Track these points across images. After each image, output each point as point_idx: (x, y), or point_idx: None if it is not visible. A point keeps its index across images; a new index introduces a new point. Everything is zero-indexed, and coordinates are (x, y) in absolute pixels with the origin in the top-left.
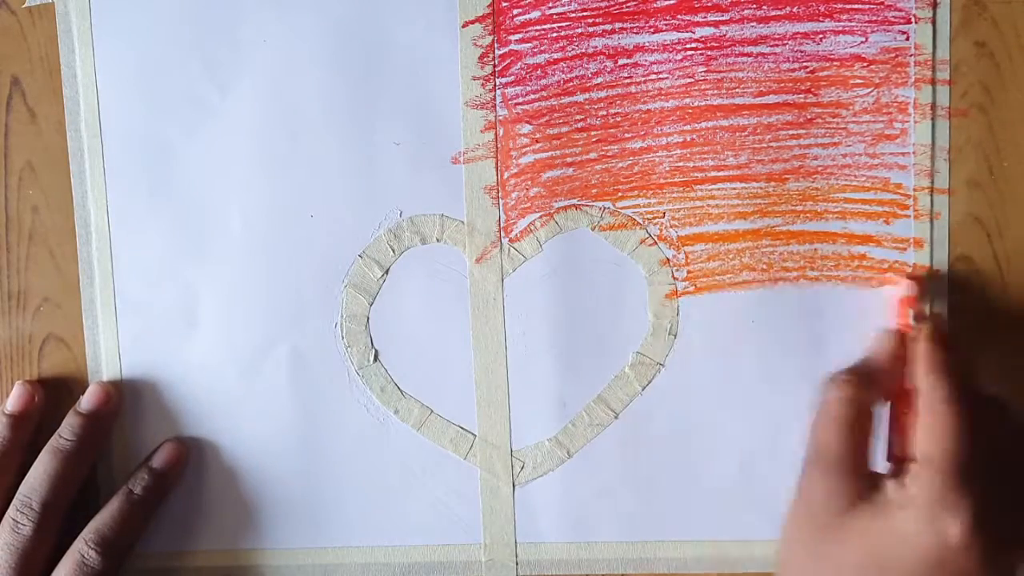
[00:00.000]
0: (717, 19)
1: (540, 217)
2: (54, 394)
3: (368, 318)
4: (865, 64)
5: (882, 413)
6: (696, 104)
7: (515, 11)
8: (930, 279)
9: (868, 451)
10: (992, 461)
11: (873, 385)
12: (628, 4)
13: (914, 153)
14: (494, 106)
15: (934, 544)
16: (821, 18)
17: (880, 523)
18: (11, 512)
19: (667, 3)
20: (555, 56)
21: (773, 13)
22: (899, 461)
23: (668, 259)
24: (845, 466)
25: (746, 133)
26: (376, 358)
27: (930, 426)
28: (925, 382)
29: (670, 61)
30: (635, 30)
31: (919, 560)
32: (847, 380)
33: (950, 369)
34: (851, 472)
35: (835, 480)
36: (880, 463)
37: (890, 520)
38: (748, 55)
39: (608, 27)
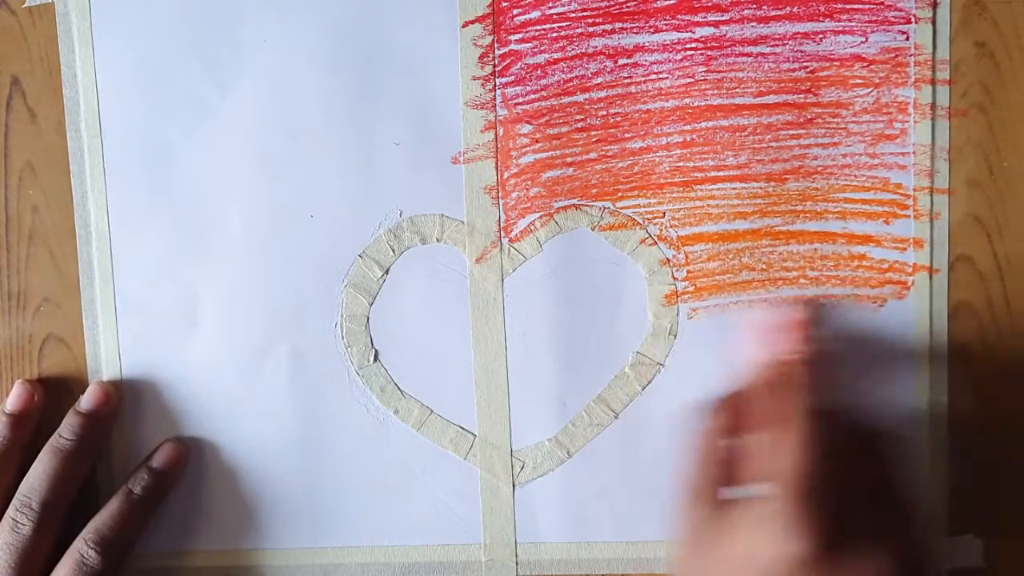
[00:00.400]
0: (717, 19)
1: (540, 217)
2: (54, 394)
3: (368, 318)
4: (865, 64)
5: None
6: (696, 104)
7: (515, 11)
8: (820, 306)
9: (735, 480)
10: (852, 477)
11: (745, 414)
12: (628, 4)
13: (914, 153)
14: (494, 106)
15: (783, 561)
16: (821, 18)
17: (737, 547)
18: (10, 512)
19: (667, 3)
20: (555, 56)
21: (773, 13)
22: None
23: (668, 259)
24: (708, 496)
25: (746, 133)
26: (376, 358)
27: (777, 444)
28: (778, 403)
29: (670, 61)
30: (635, 30)
31: None
32: (714, 411)
33: (802, 388)
34: (714, 502)
35: (700, 510)
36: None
37: (744, 542)
38: (748, 55)
39: (608, 27)
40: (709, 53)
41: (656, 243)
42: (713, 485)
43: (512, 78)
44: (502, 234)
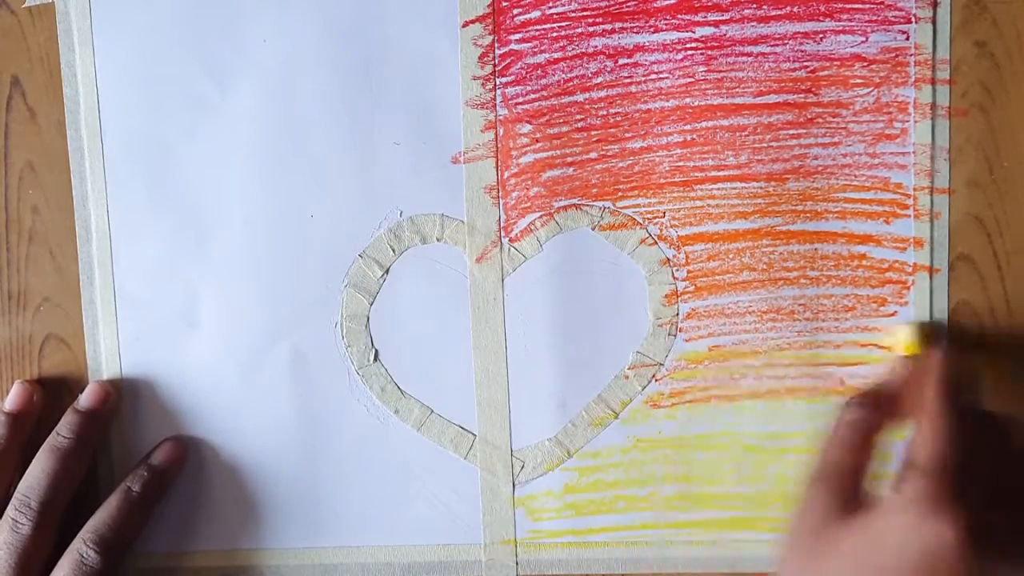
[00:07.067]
0: (717, 19)
1: (540, 217)
2: (54, 394)
3: (368, 318)
4: (865, 64)
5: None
6: (696, 104)
7: (515, 11)
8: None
9: (872, 472)
10: (998, 476)
11: (887, 408)
12: (628, 4)
13: (914, 153)
14: (494, 106)
15: (924, 547)
16: (821, 18)
17: (873, 531)
18: (10, 511)
19: (667, 3)
20: (555, 56)
21: (773, 13)
22: None
23: (668, 259)
24: (846, 483)
25: (746, 133)
26: (376, 358)
27: (923, 434)
28: (925, 397)
29: (670, 61)
30: (635, 30)
31: (911, 563)
32: (859, 403)
33: (947, 384)
34: (851, 489)
35: (834, 495)
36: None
37: (882, 527)
38: (748, 55)
39: (608, 27)
40: (709, 53)
41: (656, 243)
42: (854, 474)
43: (512, 78)
44: (502, 234)
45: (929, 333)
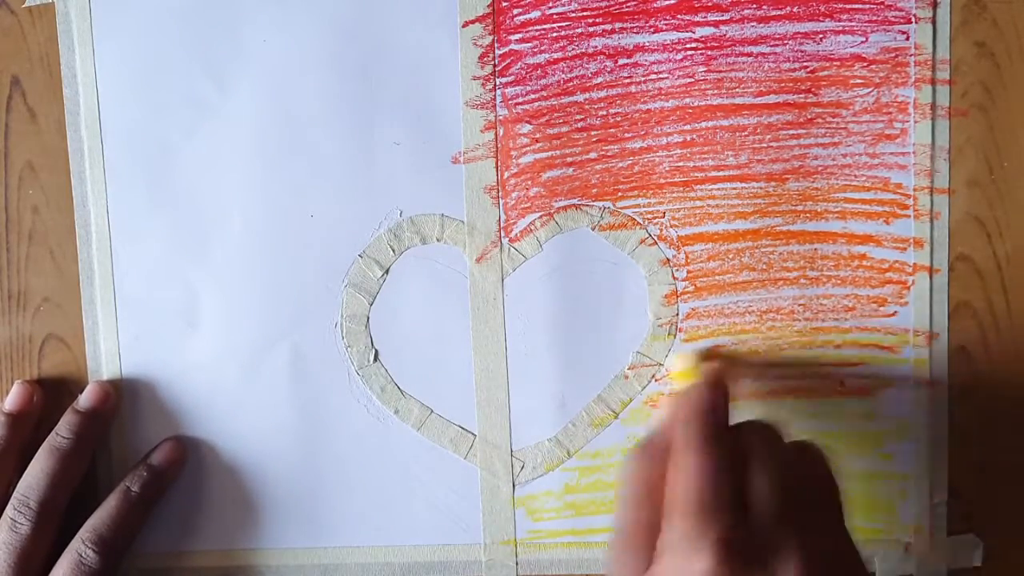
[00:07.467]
0: (717, 19)
1: (540, 217)
2: (54, 394)
3: (368, 318)
4: (865, 64)
5: None
6: (696, 104)
7: (515, 11)
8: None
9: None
10: (757, 493)
11: (666, 454)
12: (628, 4)
13: (914, 153)
14: (494, 106)
15: None
16: (821, 18)
17: None
18: (9, 511)
19: (667, 3)
20: (555, 56)
21: (773, 13)
22: None
23: (668, 259)
24: (635, 541)
25: (746, 133)
26: (376, 358)
27: (673, 472)
28: (679, 431)
29: (670, 61)
30: (635, 30)
31: None
32: (639, 454)
33: (702, 414)
34: (640, 546)
35: (631, 553)
36: None
37: (659, 574)
38: (748, 55)
39: (608, 27)
40: (709, 53)
41: (656, 243)
42: (644, 530)
43: (512, 78)
44: (502, 234)
45: (706, 358)
